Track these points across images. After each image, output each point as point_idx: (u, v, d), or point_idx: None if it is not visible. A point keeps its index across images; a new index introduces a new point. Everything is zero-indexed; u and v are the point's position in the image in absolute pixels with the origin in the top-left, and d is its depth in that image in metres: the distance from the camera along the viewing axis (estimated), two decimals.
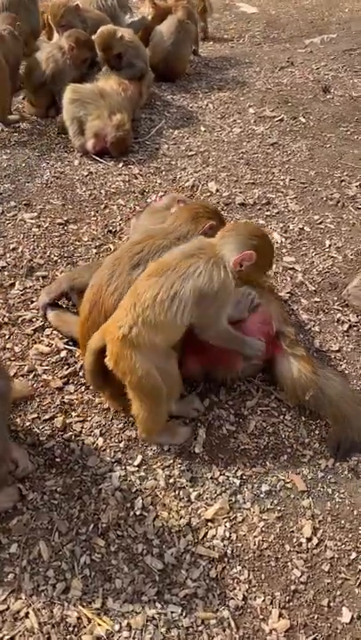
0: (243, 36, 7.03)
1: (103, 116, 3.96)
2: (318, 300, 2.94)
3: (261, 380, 2.49)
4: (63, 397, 2.39)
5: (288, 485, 2.13)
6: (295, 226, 3.47)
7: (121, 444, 2.23)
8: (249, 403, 2.40)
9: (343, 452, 2.23)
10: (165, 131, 4.48)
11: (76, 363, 2.53)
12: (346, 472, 2.19)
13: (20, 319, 2.72)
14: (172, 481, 2.12)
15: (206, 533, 1.98)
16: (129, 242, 2.43)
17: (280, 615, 1.80)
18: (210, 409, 2.37)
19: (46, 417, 2.30)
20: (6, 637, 1.70)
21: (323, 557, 1.94)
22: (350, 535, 2.00)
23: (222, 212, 3.22)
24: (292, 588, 1.86)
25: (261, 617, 1.79)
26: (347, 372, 2.58)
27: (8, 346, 2.59)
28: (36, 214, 3.44)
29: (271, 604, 1.82)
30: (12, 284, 2.92)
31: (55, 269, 3.03)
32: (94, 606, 1.78)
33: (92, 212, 3.50)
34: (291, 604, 1.83)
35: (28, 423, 2.28)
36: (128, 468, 2.15)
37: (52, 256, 3.12)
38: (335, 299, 2.95)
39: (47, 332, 2.66)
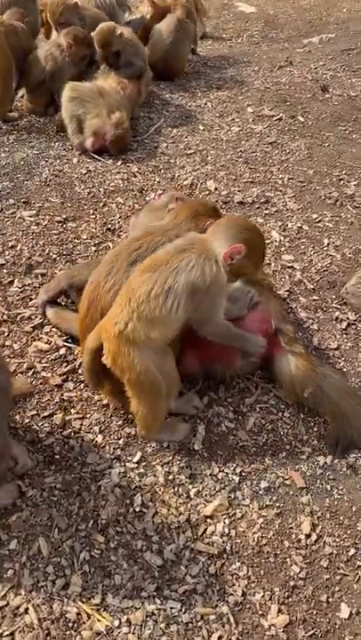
0: (241, 36, 7.04)
1: (102, 115, 3.96)
2: (317, 298, 2.95)
3: (260, 378, 2.49)
4: (62, 395, 2.39)
5: (287, 482, 2.14)
6: (294, 224, 3.47)
7: (120, 441, 2.23)
8: (248, 400, 2.41)
9: (342, 449, 2.24)
10: (164, 129, 4.48)
11: (74, 360, 2.53)
12: (344, 469, 2.19)
13: (19, 317, 2.72)
14: (171, 477, 2.12)
15: (205, 530, 1.98)
16: (128, 239, 2.43)
17: (279, 611, 1.80)
18: (209, 406, 2.37)
19: (45, 414, 2.30)
20: (6, 633, 1.70)
21: (322, 553, 1.94)
22: (349, 531, 2.01)
23: (221, 211, 3.22)
24: (291, 583, 1.87)
25: (260, 612, 1.80)
26: (345, 369, 2.59)
27: (7, 343, 2.59)
28: (34, 212, 3.44)
29: (270, 599, 1.83)
30: (11, 282, 2.92)
31: (54, 267, 3.03)
32: (94, 602, 1.78)
33: (91, 210, 3.50)
34: (290, 599, 1.84)
35: (27, 420, 2.28)
36: (127, 464, 2.15)
37: (51, 254, 3.12)
38: (334, 297, 2.96)
39: (46, 329, 2.66)
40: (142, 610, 1.77)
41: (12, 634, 1.70)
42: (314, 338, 2.72)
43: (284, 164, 4.08)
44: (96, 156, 4.01)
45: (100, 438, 2.23)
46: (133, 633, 1.72)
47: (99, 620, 1.74)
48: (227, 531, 1.98)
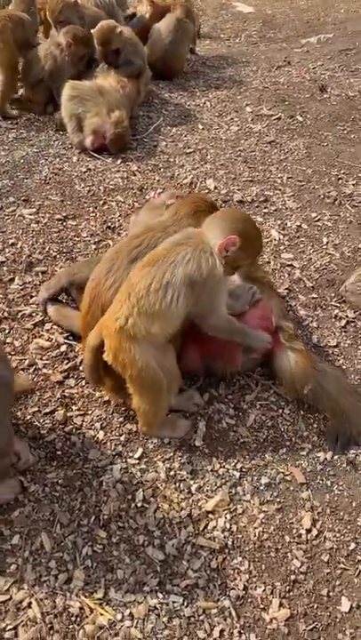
0: (239, 36, 7.05)
1: (102, 113, 3.97)
2: (316, 296, 2.97)
3: (260, 375, 2.51)
4: (64, 391, 2.40)
5: (287, 478, 2.15)
6: (293, 223, 3.49)
7: (122, 437, 2.24)
8: (248, 397, 2.42)
9: (341, 445, 2.26)
10: (163, 128, 4.49)
11: (76, 357, 2.54)
12: (344, 465, 2.21)
13: (20, 314, 2.73)
14: (172, 473, 2.13)
15: (207, 525, 2.00)
16: (128, 236, 2.44)
17: (280, 605, 1.82)
18: (210, 403, 2.38)
19: (47, 410, 2.31)
20: (9, 627, 1.71)
21: (322, 548, 1.96)
22: (349, 526, 2.02)
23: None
24: (292, 578, 1.89)
25: (262, 606, 1.82)
26: (344, 367, 2.60)
27: (8, 340, 2.60)
28: (34, 210, 3.45)
29: (272, 593, 1.85)
30: (12, 279, 2.92)
31: (54, 265, 3.04)
32: (96, 596, 1.79)
33: (91, 209, 3.51)
34: (291, 593, 1.85)
35: (28, 417, 2.29)
36: (129, 460, 2.16)
37: (51, 251, 3.13)
38: (333, 295, 2.98)
39: (47, 326, 2.67)
40: (145, 604, 1.78)
41: (15, 628, 1.71)
42: (313, 335, 2.74)
43: (283, 164, 4.09)
44: (96, 155, 4.02)
45: (101, 434, 2.24)
46: (136, 627, 1.73)
47: (101, 614, 1.75)
48: (228, 526, 2.00)
